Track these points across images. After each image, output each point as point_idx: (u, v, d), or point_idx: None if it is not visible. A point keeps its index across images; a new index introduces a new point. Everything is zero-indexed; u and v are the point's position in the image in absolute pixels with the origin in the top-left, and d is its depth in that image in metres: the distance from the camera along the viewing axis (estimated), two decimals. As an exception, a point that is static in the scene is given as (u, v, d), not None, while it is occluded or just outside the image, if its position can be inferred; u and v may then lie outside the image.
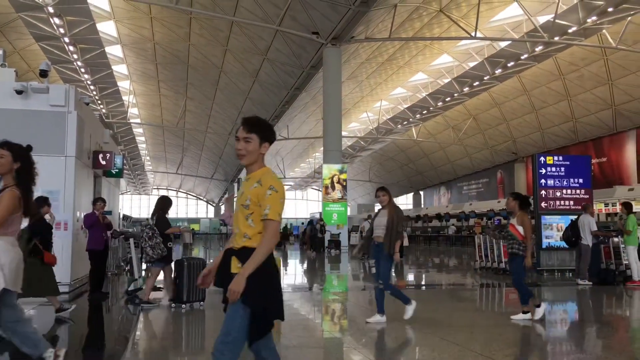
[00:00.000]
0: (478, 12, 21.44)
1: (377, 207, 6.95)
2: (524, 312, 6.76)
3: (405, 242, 24.55)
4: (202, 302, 7.61)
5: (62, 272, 9.12)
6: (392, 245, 6.43)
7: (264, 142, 2.84)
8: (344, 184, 23.44)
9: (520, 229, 6.80)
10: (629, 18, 23.64)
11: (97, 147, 11.61)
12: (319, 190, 54.95)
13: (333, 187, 23.28)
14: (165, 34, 28.98)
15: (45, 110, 9.50)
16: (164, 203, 7.81)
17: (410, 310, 6.57)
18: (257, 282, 2.67)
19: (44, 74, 10.37)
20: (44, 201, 6.83)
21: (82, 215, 9.53)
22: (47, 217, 7.07)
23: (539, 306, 6.74)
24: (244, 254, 2.74)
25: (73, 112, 9.62)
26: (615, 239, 11.51)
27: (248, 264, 2.68)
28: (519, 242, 6.80)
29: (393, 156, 54.31)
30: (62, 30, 25.41)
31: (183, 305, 7.47)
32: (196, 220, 69.56)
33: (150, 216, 7.80)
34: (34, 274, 6.40)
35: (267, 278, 2.74)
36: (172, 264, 8.14)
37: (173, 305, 7.59)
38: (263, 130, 2.84)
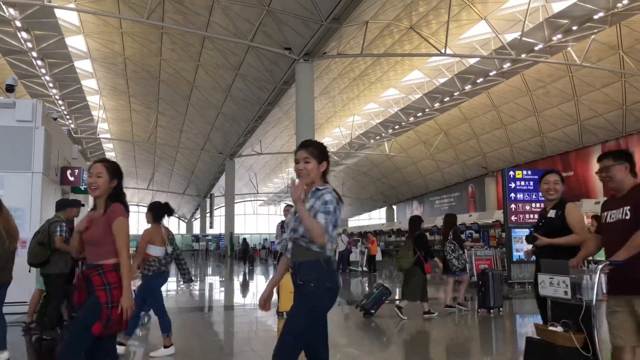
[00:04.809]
0: (447, 29, 21.84)
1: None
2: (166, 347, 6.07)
3: (379, 257, 24.63)
4: (500, 308, 8.87)
5: (25, 292, 8.87)
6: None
7: None
8: (317, 199, 23.40)
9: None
10: (593, 36, 24.39)
11: (65, 163, 11.40)
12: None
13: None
14: (136, 49, 28.73)
15: (11, 125, 9.31)
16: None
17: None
18: None
19: (10, 88, 10.18)
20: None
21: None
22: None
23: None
24: None
25: (40, 127, 9.45)
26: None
27: None
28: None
29: (366, 171, 54.63)
30: (29, 45, 24.96)
31: (491, 311, 8.74)
32: (168, 237, 68.58)
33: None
34: (419, 281, 8.45)
35: None
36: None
37: (479, 310, 9.02)
38: None
